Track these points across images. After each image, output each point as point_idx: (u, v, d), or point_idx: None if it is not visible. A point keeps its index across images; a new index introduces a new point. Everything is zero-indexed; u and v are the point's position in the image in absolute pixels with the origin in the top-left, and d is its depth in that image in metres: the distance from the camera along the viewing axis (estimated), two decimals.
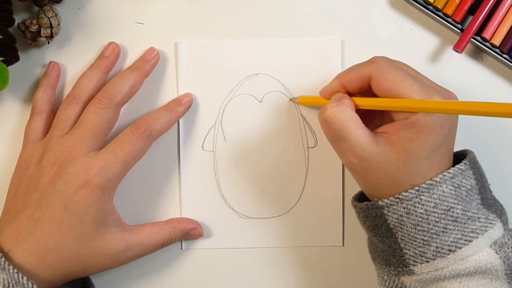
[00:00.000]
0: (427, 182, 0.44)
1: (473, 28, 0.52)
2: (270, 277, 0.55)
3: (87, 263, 0.48)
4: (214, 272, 0.55)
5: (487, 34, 0.52)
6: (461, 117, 0.47)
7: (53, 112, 0.53)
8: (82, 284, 0.52)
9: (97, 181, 0.48)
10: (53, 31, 0.52)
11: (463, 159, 0.46)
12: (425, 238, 0.44)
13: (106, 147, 0.50)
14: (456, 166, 0.45)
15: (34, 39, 0.52)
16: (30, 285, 0.44)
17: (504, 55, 0.53)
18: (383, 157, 0.44)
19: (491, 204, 0.47)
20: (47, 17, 0.52)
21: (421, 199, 0.44)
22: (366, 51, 0.54)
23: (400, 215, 0.44)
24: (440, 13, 0.53)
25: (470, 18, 0.52)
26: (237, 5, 0.54)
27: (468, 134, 0.55)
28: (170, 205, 0.55)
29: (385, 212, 0.45)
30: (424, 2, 0.53)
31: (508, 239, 0.45)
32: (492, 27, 0.52)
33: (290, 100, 0.54)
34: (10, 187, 0.51)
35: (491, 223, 0.45)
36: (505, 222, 0.46)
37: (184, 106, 0.53)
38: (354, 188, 0.54)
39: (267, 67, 0.54)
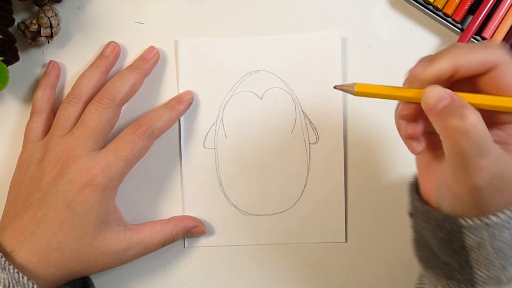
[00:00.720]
0: None
1: (473, 28, 0.52)
2: (273, 274, 0.55)
3: (89, 262, 0.49)
4: (217, 269, 0.55)
5: (487, 34, 0.52)
6: None
7: (53, 111, 0.53)
8: (82, 284, 0.52)
9: (99, 181, 0.48)
10: (53, 31, 0.52)
11: None
12: (502, 263, 0.38)
13: (107, 146, 0.50)
14: None
15: (34, 39, 0.52)
16: (31, 285, 0.44)
17: None
18: None
19: None
20: (47, 17, 0.51)
21: (509, 223, 0.38)
22: (366, 51, 0.54)
23: (482, 238, 0.38)
24: (440, 13, 0.53)
25: (470, 18, 0.53)
26: (237, 5, 0.54)
27: None
28: (172, 203, 0.55)
29: (465, 231, 0.38)
30: (424, 2, 0.53)
31: None
32: (492, 27, 0.52)
33: (335, 87, 0.42)
34: (11, 187, 0.51)
35: None
36: None
37: (185, 104, 0.53)
38: (356, 184, 0.54)
39: (267, 64, 0.54)
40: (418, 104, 0.38)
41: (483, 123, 0.36)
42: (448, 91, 0.37)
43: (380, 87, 0.39)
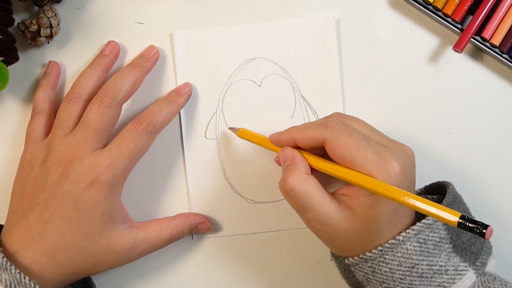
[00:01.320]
0: (390, 242, 0.43)
1: (473, 28, 0.52)
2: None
3: (96, 260, 0.49)
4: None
5: (487, 34, 0.52)
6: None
7: (54, 112, 0.53)
8: (83, 284, 0.52)
9: (104, 179, 0.48)
10: (52, 31, 0.52)
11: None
12: None
13: (110, 144, 0.50)
14: (423, 220, 0.44)
15: (34, 39, 0.52)
16: (32, 285, 0.45)
17: (504, 55, 0.53)
18: (347, 223, 0.43)
19: (466, 247, 0.45)
20: (46, 17, 0.51)
21: (385, 258, 0.43)
22: (366, 51, 0.54)
23: (366, 273, 0.45)
24: (440, 13, 0.53)
25: (470, 18, 0.53)
26: (238, 6, 0.54)
27: (470, 135, 0.55)
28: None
29: (352, 269, 0.45)
30: (424, 2, 0.53)
31: None
32: (492, 27, 0.52)
33: (229, 128, 0.54)
34: (14, 188, 0.51)
35: (460, 274, 0.44)
36: (479, 267, 0.45)
37: (184, 97, 0.53)
38: None
39: (263, 50, 0.54)
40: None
41: (310, 185, 0.44)
42: (294, 154, 0.46)
43: (257, 136, 0.51)
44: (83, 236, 0.48)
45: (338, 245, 0.45)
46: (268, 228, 0.55)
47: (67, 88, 0.54)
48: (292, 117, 0.54)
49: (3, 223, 0.51)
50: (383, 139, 0.45)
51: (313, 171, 0.46)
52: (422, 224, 0.44)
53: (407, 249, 0.43)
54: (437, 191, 0.50)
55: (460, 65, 0.55)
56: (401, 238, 0.43)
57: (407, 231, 0.43)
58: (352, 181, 0.43)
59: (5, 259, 0.45)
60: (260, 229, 0.55)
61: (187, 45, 0.54)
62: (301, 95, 0.54)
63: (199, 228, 0.54)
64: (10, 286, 0.44)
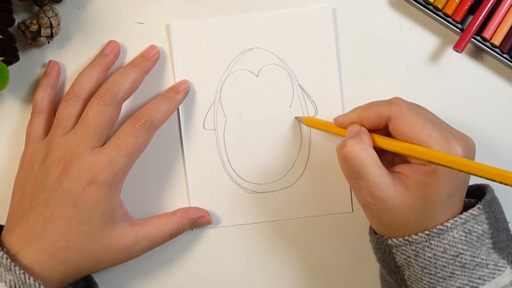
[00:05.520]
0: (438, 227, 0.43)
1: (473, 28, 0.52)
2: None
3: (98, 258, 0.49)
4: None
5: (487, 34, 0.52)
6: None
7: (54, 111, 0.53)
8: (84, 283, 0.52)
9: (103, 177, 0.48)
10: (53, 31, 0.52)
11: (479, 202, 0.45)
12: (431, 281, 0.44)
13: (109, 142, 0.50)
14: (469, 211, 0.44)
15: (34, 39, 0.52)
16: (37, 285, 0.45)
17: (504, 55, 0.53)
18: (399, 199, 0.43)
19: (504, 247, 0.46)
20: (47, 17, 0.52)
21: (430, 243, 0.44)
22: (366, 51, 0.54)
23: (408, 256, 0.44)
24: (440, 13, 0.53)
25: (470, 18, 0.52)
26: (238, 5, 0.54)
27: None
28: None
29: (394, 251, 0.45)
30: (424, 2, 0.53)
31: None
32: (492, 27, 0.52)
33: (295, 118, 0.54)
34: (14, 188, 0.51)
35: (499, 270, 0.44)
36: None
37: (181, 94, 0.53)
38: None
39: (260, 41, 0.54)
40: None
41: (368, 154, 0.44)
42: (361, 129, 0.46)
43: (322, 122, 0.52)
44: (83, 235, 0.48)
45: (384, 222, 0.45)
46: (268, 218, 0.55)
47: (67, 88, 0.54)
48: (290, 106, 0.54)
49: (3, 223, 0.51)
50: (447, 126, 0.46)
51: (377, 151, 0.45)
52: (469, 214, 0.44)
53: (453, 237, 0.43)
54: (472, 194, 0.49)
55: (461, 65, 0.55)
56: (449, 224, 0.43)
57: (455, 218, 0.44)
58: (414, 155, 0.43)
59: (8, 260, 0.45)
60: (260, 219, 0.55)
61: (184, 36, 0.54)
62: (299, 85, 0.55)
63: (199, 222, 0.54)
64: (15, 287, 0.44)
